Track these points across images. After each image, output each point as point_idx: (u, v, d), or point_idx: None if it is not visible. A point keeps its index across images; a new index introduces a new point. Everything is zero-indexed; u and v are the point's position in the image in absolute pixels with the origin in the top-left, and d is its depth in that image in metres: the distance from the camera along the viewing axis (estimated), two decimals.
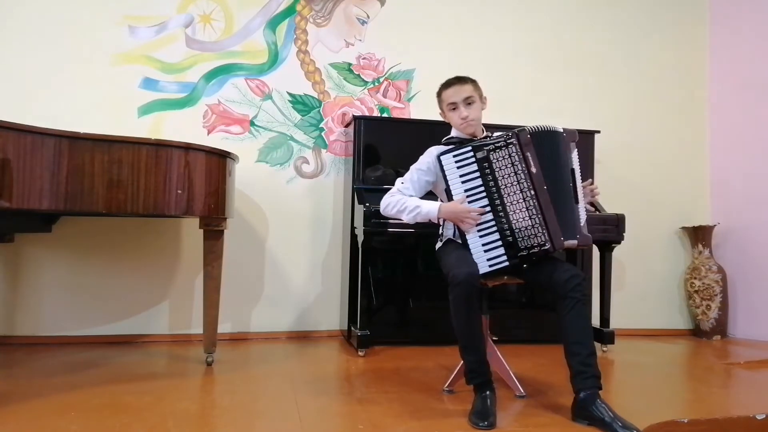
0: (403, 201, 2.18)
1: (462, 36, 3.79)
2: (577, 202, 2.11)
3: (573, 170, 2.12)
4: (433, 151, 2.25)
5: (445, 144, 2.25)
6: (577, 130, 2.19)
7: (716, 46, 4.12)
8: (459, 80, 2.25)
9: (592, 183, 2.26)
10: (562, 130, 2.14)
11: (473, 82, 2.26)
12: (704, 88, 4.16)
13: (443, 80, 2.30)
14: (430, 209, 2.13)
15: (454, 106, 2.23)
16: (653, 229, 3.98)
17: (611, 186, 3.67)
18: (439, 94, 2.30)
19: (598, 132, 3.61)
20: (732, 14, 4.02)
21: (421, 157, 2.29)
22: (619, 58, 4.02)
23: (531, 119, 3.44)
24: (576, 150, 2.15)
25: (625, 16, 4.05)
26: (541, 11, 3.93)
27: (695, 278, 3.83)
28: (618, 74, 4.02)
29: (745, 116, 3.88)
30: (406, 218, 2.18)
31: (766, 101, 3.73)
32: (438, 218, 2.14)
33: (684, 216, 4.01)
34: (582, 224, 2.11)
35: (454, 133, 2.31)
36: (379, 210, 2.88)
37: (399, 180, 2.28)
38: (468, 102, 2.21)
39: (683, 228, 3.99)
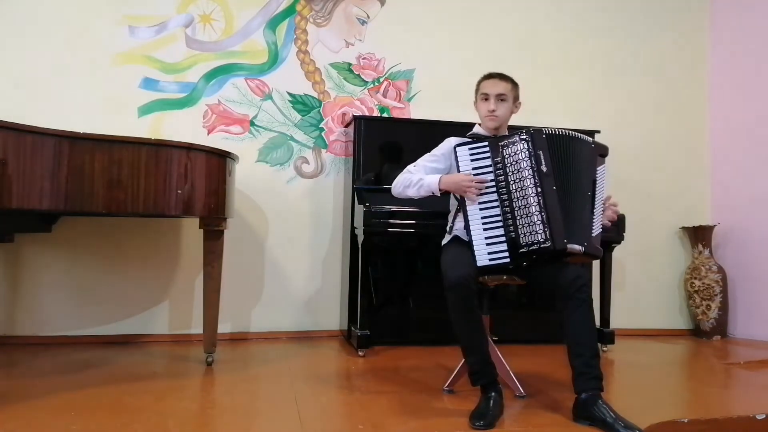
0: (409, 177, 2.26)
1: (462, 36, 3.79)
2: (593, 211, 2.11)
3: (594, 181, 2.14)
4: (451, 140, 2.30)
5: (468, 138, 2.29)
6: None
7: (717, 46, 4.12)
8: (500, 76, 2.32)
9: (614, 204, 2.25)
10: (590, 141, 2.19)
11: (513, 83, 2.32)
12: (704, 88, 4.16)
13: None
14: (432, 180, 2.19)
15: (486, 97, 2.29)
16: (653, 229, 3.98)
17: (611, 186, 3.66)
18: (477, 84, 2.36)
19: (598, 132, 3.60)
20: (733, 14, 4.02)
21: (438, 145, 2.35)
22: (620, 58, 4.02)
23: (531, 119, 3.49)
24: (604, 165, 2.19)
25: (626, 16, 4.04)
26: (541, 11, 3.93)
27: (695, 278, 3.83)
28: (618, 74, 4.01)
29: (746, 116, 3.87)
30: (411, 192, 2.25)
31: (767, 101, 3.73)
32: (440, 189, 2.18)
33: (684, 216, 4.01)
34: (594, 235, 2.11)
35: (476, 129, 2.36)
36: (379, 210, 2.92)
37: (411, 165, 2.33)
38: (500, 98, 2.27)
39: (683, 228, 3.99)
